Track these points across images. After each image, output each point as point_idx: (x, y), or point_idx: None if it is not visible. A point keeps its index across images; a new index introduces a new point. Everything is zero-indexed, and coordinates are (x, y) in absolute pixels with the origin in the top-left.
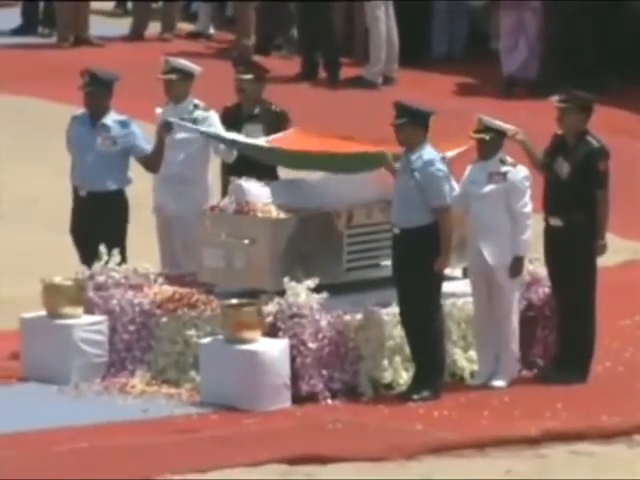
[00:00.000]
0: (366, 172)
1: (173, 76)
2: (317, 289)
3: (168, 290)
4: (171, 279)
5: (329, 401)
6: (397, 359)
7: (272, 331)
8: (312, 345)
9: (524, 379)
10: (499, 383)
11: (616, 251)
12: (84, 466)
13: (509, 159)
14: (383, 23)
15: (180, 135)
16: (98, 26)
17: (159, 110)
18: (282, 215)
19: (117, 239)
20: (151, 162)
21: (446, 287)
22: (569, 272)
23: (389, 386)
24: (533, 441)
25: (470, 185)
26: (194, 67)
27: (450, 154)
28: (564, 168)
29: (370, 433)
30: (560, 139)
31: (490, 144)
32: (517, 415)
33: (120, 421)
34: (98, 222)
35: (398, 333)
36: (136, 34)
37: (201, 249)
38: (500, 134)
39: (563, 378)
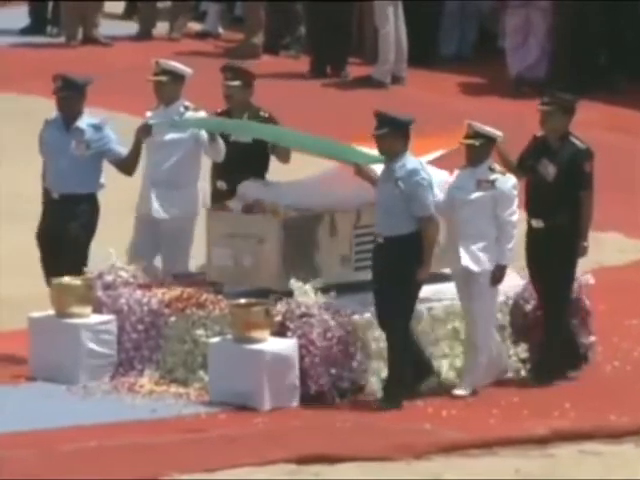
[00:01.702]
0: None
1: (163, 78)
2: (325, 289)
3: (176, 289)
4: (179, 278)
5: (337, 400)
6: None
7: (281, 331)
8: (320, 344)
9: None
10: (461, 392)
11: (623, 250)
12: (92, 465)
13: (498, 167)
14: (392, 23)
15: (170, 136)
16: (107, 25)
17: (149, 113)
18: (290, 215)
19: (84, 244)
20: (125, 165)
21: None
22: (550, 274)
23: None
24: (541, 441)
25: (457, 191)
26: (185, 69)
27: (427, 158)
28: (550, 170)
29: (378, 432)
30: (542, 141)
31: (479, 150)
32: (525, 415)
33: (128, 420)
34: (68, 225)
35: None
36: (144, 34)
37: (209, 248)
38: (490, 140)
39: (545, 379)
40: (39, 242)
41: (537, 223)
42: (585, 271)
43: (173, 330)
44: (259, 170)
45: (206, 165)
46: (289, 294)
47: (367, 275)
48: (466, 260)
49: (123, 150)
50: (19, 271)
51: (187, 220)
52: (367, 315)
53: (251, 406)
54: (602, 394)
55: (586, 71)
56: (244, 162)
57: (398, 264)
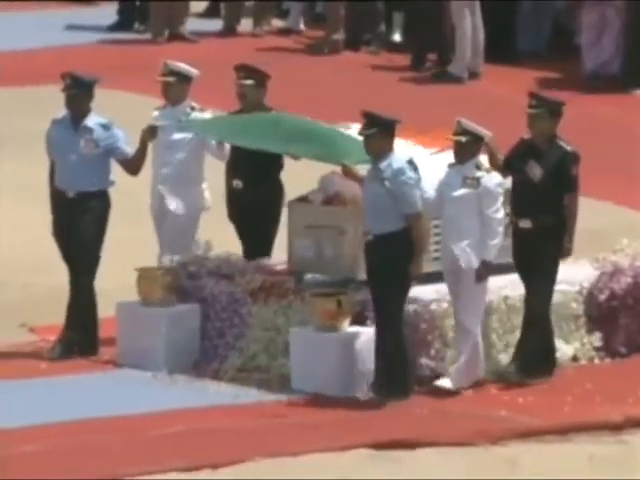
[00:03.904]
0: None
1: (171, 79)
2: None
3: (259, 279)
4: (262, 268)
5: (416, 387)
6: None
7: (360, 319)
8: None
9: (606, 366)
10: (444, 383)
11: None
12: (177, 450)
13: (485, 165)
14: (468, 20)
15: (176, 136)
16: (192, 22)
17: (156, 112)
18: None
19: (97, 239)
20: (131, 165)
21: (495, 281)
22: (535, 273)
23: None
24: (615, 427)
25: (445, 187)
26: (191, 70)
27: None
28: (536, 171)
29: (456, 419)
30: (529, 143)
31: (466, 147)
32: (599, 401)
33: (212, 406)
34: (83, 222)
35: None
36: (229, 30)
37: (291, 239)
38: (477, 138)
39: (525, 377)
40: (57, 240)
41: (523, 223)
42: None
43: (256, 319)
44: (274, 168)
45: (211, 164)
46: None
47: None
48: (453, 256)
49: (130, 150)
50: (111, 261)
51: (192, 216)
52: (444, 304)
53: (331, 393)
54: None
55: None
56: (259, 160)
57: (390, 261)
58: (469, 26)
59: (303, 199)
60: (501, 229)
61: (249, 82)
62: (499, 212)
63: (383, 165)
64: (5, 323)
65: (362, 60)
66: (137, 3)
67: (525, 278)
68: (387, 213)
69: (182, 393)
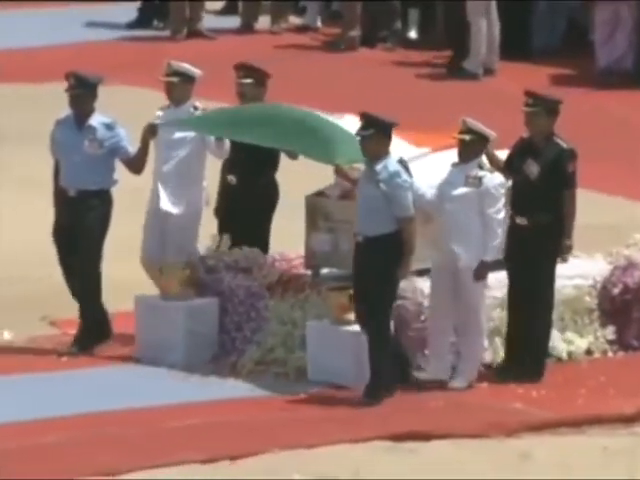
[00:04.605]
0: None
1: (174, 79)
2: (419, 272)
3: (276, 273)
4: (279, 262)
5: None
6: (497, 340)
7: None
8: (414, 326)
9: (619, 359)
10: (458, 384)
11: None
12: (195, 441)
13: (487, 165)
14: (483, 17)
15: (177, 135)
16: (210, 19)
17: (159, 112)
18: None
19: (99, 237)
20: (134, 164)
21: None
22: (532, 271)
23: (489, 366)
24: (628, 419)
25: (446, 186)
26: (195, 70)
27: (412, 155)
28: (534, 169)
29: (471, 411)
30: (527, 142)
31: (470, 146)
32: (612, 394)
33: (230, 399)
34: (86, 219)
35: (497, 315)
36: (246, 27)
37: (308, 234)
38: (481, 138)
39: (518, 376)
40: (56, 240)
41: (521, 220)
42: None
43: (273, 312)
44: (269, 165)
45: (211, 162)
46: None
47: None
48: (453, 255)
49: (133, 149)
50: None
51: (193, 215)
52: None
53: (348, 385)
54: None
55: None
56: (254, 157)
57: (379, 263)
58: (484, 23)
59: (320, 194)
60: (500, 230)
61: (248, 81)
62: (500, 213)
63: (379, 167)
64: (26, 317)
65: (378, 57)
66: (157, 2)
67: (520, 276)
68: (380, 215)
69: (200, 386)
